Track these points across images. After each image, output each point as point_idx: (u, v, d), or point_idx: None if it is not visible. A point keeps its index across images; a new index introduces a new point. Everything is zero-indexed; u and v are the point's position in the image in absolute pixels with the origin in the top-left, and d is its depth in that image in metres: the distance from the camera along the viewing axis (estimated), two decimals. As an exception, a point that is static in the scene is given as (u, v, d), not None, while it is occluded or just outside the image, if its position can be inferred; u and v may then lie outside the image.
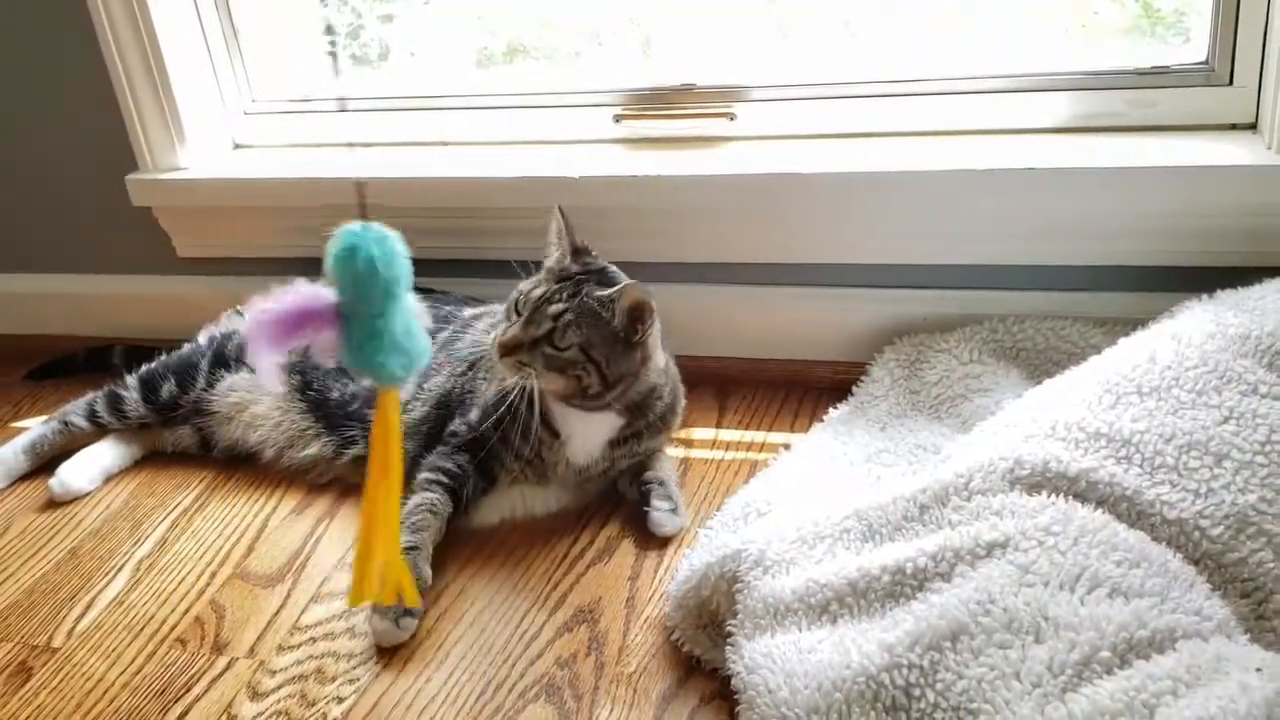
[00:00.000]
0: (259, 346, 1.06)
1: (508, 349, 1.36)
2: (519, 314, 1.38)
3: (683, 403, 1.56)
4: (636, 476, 1.49)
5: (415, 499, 1.40)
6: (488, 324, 1.56)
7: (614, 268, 1.44)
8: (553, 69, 1.88)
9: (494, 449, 1.43)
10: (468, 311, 1.64)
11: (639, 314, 1.36)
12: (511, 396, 1.38)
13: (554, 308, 1.36)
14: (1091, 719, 0.88)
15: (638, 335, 1.38)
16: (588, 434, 1.44)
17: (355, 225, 1.05)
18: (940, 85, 1.66)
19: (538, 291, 1.38)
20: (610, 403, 1.41)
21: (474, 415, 1.46)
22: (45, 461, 1.68)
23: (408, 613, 1.28)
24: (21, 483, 1.67)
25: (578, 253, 1.42)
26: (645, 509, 1.44)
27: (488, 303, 1.65)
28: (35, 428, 1.69)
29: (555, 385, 1.38)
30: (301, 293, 1.06)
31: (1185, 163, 1.48)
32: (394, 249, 1.05)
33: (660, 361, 1.46)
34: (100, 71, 1.83)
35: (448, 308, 1.64)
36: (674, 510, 1.43)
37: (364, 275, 1.03)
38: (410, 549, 1.32)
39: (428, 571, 1.33)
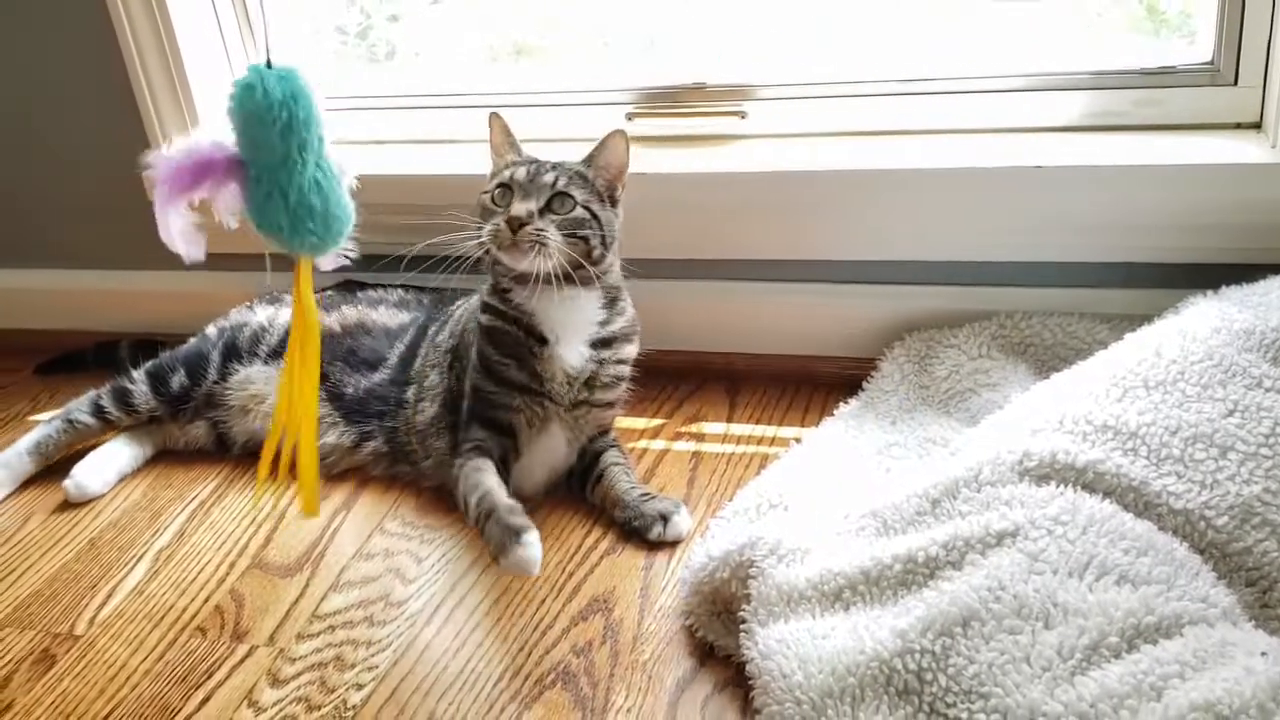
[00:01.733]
0: (159, 201, 0.96)
1: (519, 223, 1.36)
2: (510, 195, 1.40)
3: (639, 333, 1.56)
4: (610, 496, 1.48)
5: (466, 468, 1.43)
6: (463, 311, 1.59)
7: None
8: (565, 68, 1.91)
9: (495, 399, 1.46)
10: (454, 306, 1.66)
11: (620, 160, 1.45)
12: (494, 324, 1.45)
13: (548, 176, 1.40)
14: (1100, 701, 0.90)
15: (618, 192, 1.46)
16: (573, 328, 1.46)
17: (259, 63, 0.93)
18: (949, 84, 1.68)
19: (520, 171, 1.41)
20: (608, 268, 1.46)
21: (470, 378, 1.49)
22: (52, 462, 1.68)
23: (519, 535, 1.29)
24: (41, 476, 1.69)
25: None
26: (638, 524, 1.43)
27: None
28: (39, 428, 1.70)
29: (565, 253, 1.38)
30: (201, 142, 0.96)
31: (1191, 161, 1.50)
32: (300, 85, 0.92)
33: (618, 267, 1.51)
34: (117, 67, 1.86)
35: (442, 306, 1.68)
36: (677, 509, 1.44)
37: (262, 116, 0.91)
38: (485, 495, 1.36)
39: (509, 501, 1.36)
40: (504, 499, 1.36)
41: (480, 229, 1.40)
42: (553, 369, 1.45)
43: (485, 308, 1.49)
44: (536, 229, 1.37)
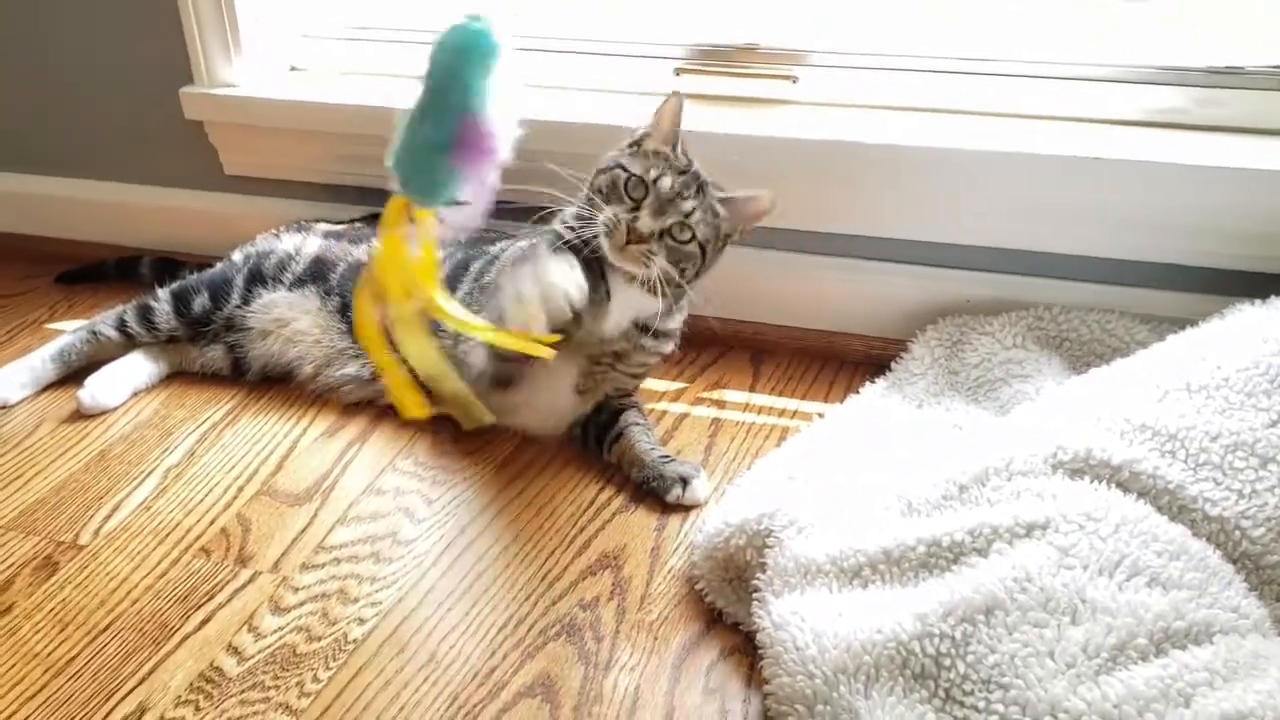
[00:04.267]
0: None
1: (640, 238, 1.35)
2: (639, 201, 1.36)
3: (679, 336, 1.53)
4: (629, 455, 1.45)
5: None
6: (509, 247, 1.54)
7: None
8: (617, 18, 1.87)
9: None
10: (494, 246, 1.62)
11: (757, 220, 1.43)
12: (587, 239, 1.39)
13: (686, 204, 1.36)
14: (1125, 703, 0.88)
15: (738, 238, 1.44)
16: (624, 301, 1.42)
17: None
18: (1007, 67, 1.64)
19: (666, 182, 1.36)
20: (684, 292, 1.43)
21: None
22: (72, 371, 1.67)
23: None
24: (54, 384, 1.67)
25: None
26: (656, 485, 1.41)
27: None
28: (63, 336, 1.69)
29: (661, 274, 1.37)
30: None
31: (1250, 165, 1.46)
32: (478, 37, 1.05)
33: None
34: (163, -17, 1.83)
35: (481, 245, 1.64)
36: (697, 473, 1.42)
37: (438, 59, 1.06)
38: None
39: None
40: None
41: (592, 197, 1.38)
42: (590, 323, 1.41)
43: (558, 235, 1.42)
44: (648, 251, 1.36)
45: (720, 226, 1.41)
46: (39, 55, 2.00)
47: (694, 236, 1.37)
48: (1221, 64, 1.56)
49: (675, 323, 1.50)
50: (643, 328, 1.45)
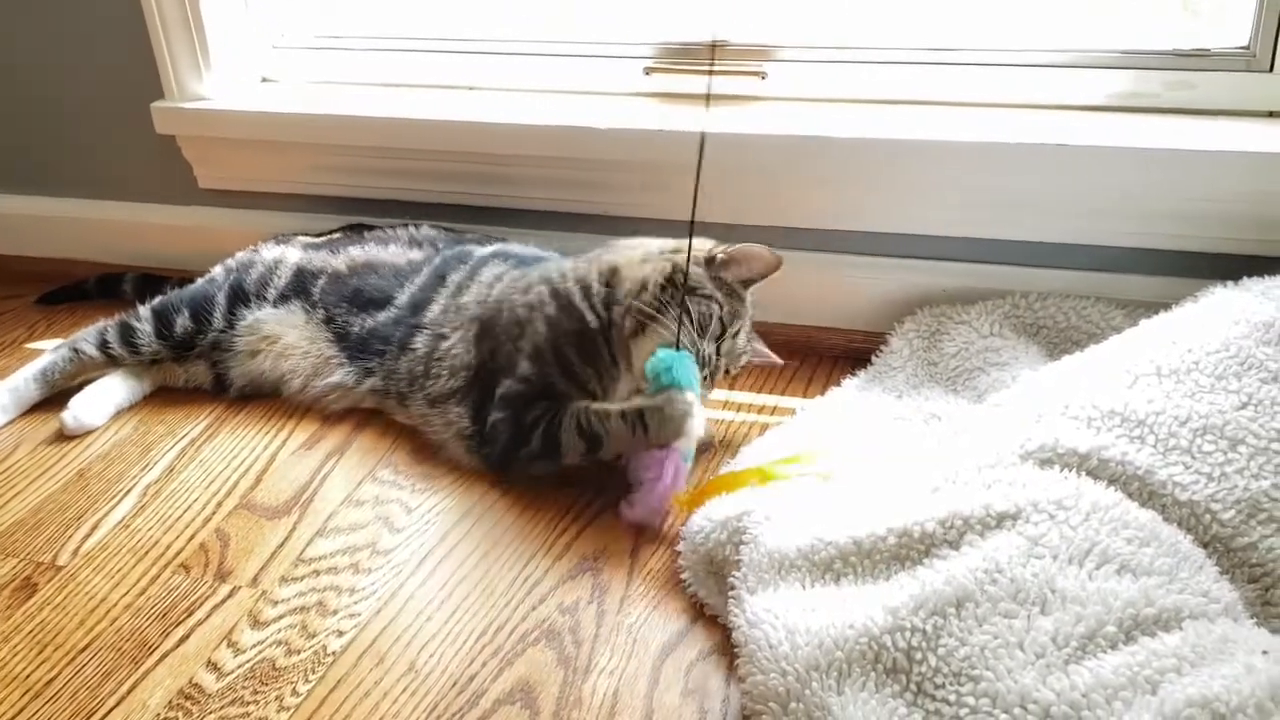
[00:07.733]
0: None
1: (710, 367, 1.45)
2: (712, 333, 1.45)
3: None
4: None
5: (575, 417, 1.40)
6: (495, 271, 1.56)
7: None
8: (585, 19, 1.87)
9: (562, 389, 1.44)
10: (479, 251, 1.64)
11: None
12: (580, 329, 1.45)
13: (713, 327, 1.45)
14: (1094, 691, 0.87)
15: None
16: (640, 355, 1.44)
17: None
18: (975, 56, 1.64)
19: (741, 341, 1.50)
20: None
21: (525, 367, 1.45)
22: (55, 391, 1.66)
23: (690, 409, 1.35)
24: (34, 407, 1.67)
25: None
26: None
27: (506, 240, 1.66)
28: (45, 356, 1.68)
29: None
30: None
31: (1220, 148, 1.46)
32: None
33: None
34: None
35: (460, 247, 1.65)
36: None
37: None
38: (625, 408, 1.38)
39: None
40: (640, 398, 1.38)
41: (667, 303, 1.43)
42: (621, 387, 1.46)
43: (566, 307, 1.47)
44: (716, 365, 1.46)
45: (736, 293, 1.48)
46: (7, 75, 2.00)
47: (730, 332, 1.47)
48: (1188, 46, 1.55)
49: None
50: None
